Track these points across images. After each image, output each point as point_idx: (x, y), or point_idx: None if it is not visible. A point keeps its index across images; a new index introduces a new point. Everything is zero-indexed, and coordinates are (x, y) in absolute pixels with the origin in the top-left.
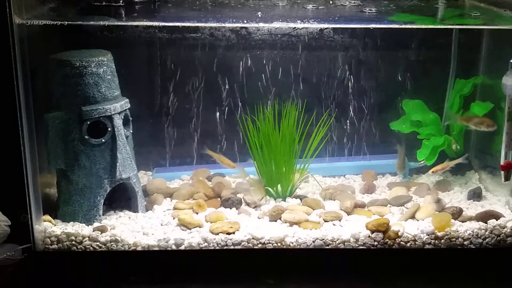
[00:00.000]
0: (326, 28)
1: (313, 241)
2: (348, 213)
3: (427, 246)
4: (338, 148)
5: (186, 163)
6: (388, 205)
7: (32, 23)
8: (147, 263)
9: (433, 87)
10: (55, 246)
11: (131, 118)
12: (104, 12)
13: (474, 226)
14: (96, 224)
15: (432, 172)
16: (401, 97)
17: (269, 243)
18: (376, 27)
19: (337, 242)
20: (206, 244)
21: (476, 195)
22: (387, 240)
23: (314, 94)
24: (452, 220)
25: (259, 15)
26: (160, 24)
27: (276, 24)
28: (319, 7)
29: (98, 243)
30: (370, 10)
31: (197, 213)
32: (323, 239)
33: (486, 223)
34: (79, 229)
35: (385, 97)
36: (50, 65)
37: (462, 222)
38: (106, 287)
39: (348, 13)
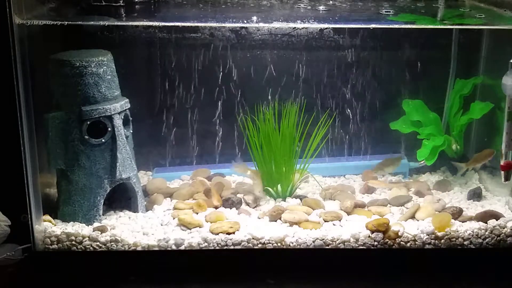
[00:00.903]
0: (326, 28)
1: (313, 241)
2: (348, 213)
3: (427, 246)
4: (338, 148)
5: (186, 163)
6: (388, 205)
7: (32, 23)
8: (147, 263)
9: (433, 87)
10: (55, 246)
11: (131, 118)
12: (104, 12)
13: (474, 226)
14: (96, 224)
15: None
16: (401, 97)
17: (269, 243)
18: (376, 27)
19: (337, 242)
20: (206, 244)
21: (476, 195)
22: (387, 240)
23: (314, 94)
24: (452, 220)
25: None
26: (160, 24)
27: (276, 24)
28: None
29: (98, 243)
30: (387, 11)
31: (197, 213)
32: (323, 239)
33: (486, 223)
34: (79, 229)
35: (385, 97)
36: (50, 65)
37: (462, 222)
38: (106, 287)
39: (367, 13)
